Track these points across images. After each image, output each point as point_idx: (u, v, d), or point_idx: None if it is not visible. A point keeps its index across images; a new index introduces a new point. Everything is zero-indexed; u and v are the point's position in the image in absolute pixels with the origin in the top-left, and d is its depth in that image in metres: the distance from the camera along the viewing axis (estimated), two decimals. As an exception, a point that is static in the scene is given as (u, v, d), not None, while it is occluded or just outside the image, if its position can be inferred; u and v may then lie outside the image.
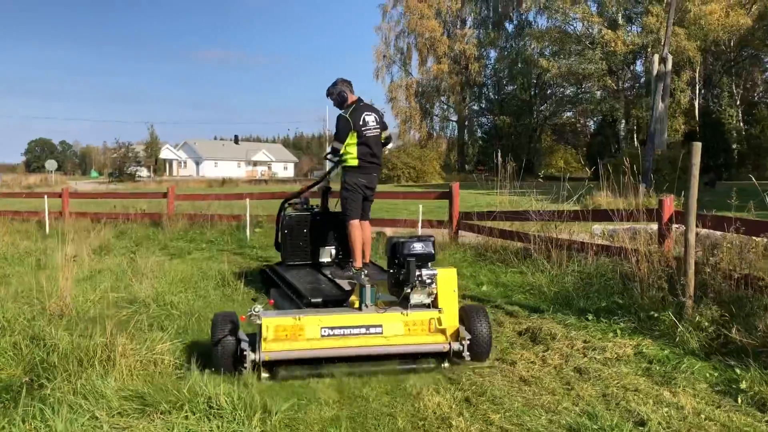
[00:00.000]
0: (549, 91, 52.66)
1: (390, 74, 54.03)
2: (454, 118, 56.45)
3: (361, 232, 6.51)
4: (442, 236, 9.69)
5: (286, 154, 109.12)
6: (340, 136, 6.39)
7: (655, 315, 5.25)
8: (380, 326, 4.56)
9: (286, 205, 7.45)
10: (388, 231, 10.69)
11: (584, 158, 48.94)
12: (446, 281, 4.73)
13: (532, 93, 52.70)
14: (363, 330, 4.53)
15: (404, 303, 4.70)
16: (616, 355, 4.79)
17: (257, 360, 4.30)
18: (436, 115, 56.17)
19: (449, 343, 4.55)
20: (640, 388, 4.20)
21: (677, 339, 4.93)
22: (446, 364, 4.61)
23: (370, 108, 6.58)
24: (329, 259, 7.03)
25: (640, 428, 3.61)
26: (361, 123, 6.34)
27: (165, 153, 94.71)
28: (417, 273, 4.60)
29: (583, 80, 46.15)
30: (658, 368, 4.52)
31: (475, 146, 57.46)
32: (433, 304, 4.73)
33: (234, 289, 7.06)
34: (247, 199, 12.46)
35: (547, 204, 8.65)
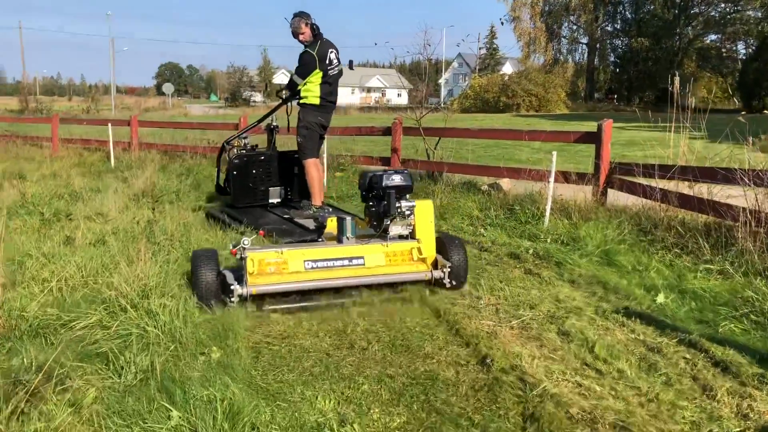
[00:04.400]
0: (694, 10, 46.25)
1: (514, -10, 49.51)
2: (584, 40, 51.59)
3: (318, 170, 6.50)
4: (584, 195, 6.74)
5: (400, 80, 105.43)
6: (302, 71, 6.28)
7: None
8: (362, 257, 4.55)
9: (227, 145, 7.08)
10: (505, 183, 7.95)
11: (733, 88, 42.84)
12: (423, 212, 4.72)
13: (675, 12, 46.51)
14: (346, 261, 4.52)
15: (382, 236, 4.73)
16: None
17: (245, 294, 4.17)
18: (564, 37, 51.61)
19: (431, 272, 4.55)
20: None
21: None
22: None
23: (331, 44, 6.43)
24: (279, 200, 6.99)
25: None
26: (327, 62, 6.29)
27: (281, 78, 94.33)
28: (396, 204, 4.59)
29: (739, -5, 39.81)
30: None
31: (607, 72, 52.33)
32: (411, 235, 4.73)
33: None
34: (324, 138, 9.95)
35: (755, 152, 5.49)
